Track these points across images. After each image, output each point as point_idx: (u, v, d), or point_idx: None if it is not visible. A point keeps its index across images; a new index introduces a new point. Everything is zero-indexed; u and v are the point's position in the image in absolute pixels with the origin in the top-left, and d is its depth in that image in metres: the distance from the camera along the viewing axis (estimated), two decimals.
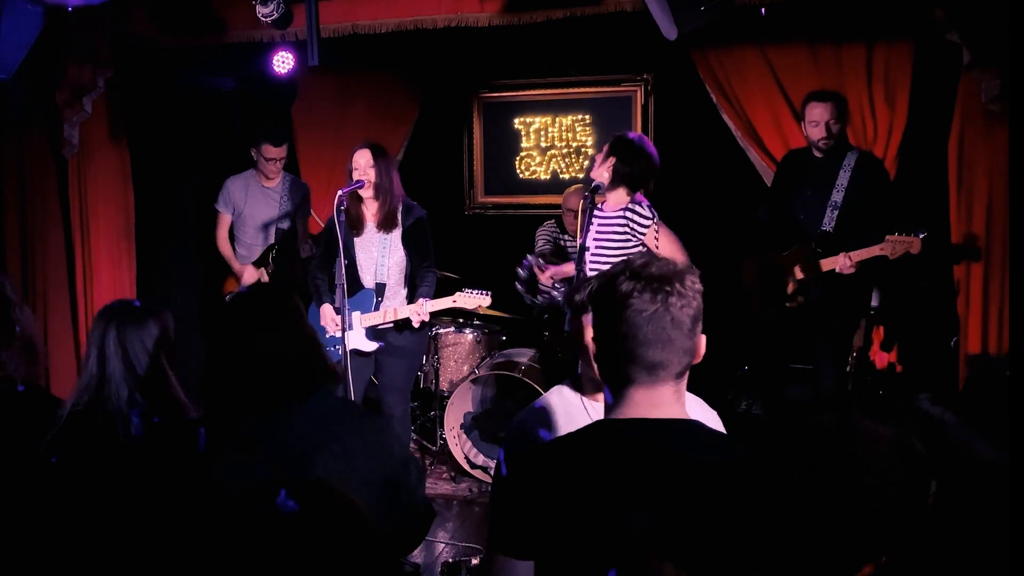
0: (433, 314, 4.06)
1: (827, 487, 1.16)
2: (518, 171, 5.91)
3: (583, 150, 5.76)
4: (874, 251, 3.75)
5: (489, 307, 4.30)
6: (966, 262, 3.76)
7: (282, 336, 1.91)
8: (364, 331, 4.04)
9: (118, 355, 2.16)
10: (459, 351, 4.92)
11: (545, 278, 4.56)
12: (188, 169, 5.57)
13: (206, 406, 1.95)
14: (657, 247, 3.72)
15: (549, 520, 1.44)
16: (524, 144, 5.88)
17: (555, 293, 4.72)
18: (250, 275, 4.82)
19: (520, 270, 4.79)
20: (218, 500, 1.74)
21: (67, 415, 2.16)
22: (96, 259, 4.82)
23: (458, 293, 4.03)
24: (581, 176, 5.71)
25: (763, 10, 3.79)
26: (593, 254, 3.79)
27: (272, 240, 4.90)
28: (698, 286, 1.47)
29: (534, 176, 5.89)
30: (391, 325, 4.05)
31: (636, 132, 3.99)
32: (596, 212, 3.80)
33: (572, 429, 2.08)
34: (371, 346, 4.05)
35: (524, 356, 4.70)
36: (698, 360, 1.50)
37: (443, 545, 3.98)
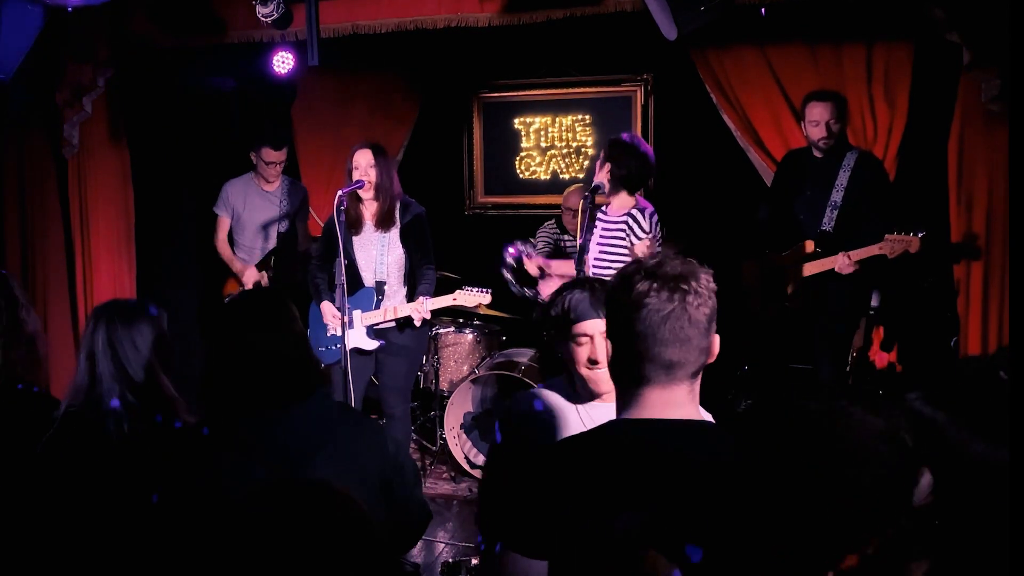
0: (433, 312, 4.07)
1: (811, 477, 1.16)
2: (518, 171, 5.91)
3: (583, 150, 5.76)
4: (873, 250, 3.76)
5: (489, 307, 4.30)
6: (966, 261, 3.76)
7: (282, 337, 1.91)
8: (365, 329, 4.04)
9: (107, 356, 2.15)
10: (459, 351, 4.92)
11: (532, 267, 4.43)
12: (188, 169, 5.56)
13: (205, 407, 1.95)
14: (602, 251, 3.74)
15: (564, 520, 1.43)
16: (524, 144, 5.88)
17: (528, 292, 4.64)
18: (251, 276, 4.83)
19: (507, 256, 4.67)
20: (218, 500, 1.74)
21: (62, 415, 2.16)
22: (96, 259, 4.82)
23: (458, 291, 4.03)
24: (581, 176, 5.72)
25: (763, 10, 3.79)
26: (596, 257, 3.80)
27: (272, 242, 4.90)
28: (713, 285, 1.47)
29: (534, 176, 5.89)
30: (392, 324, 4.05)
31: (629, 133, 3.97)
32: (600, 216, 3.80)
33: (564, 423, 2.09)
34: (372, 344, 4.05)
35: (524, 356, 4.70)
36: (712, 359, 1.49)
37: (443, 545, 3.98)
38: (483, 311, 4.68)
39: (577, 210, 4.37)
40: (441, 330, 4.92)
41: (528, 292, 4.84)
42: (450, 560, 3.48)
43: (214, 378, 1.90)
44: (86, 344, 2.19)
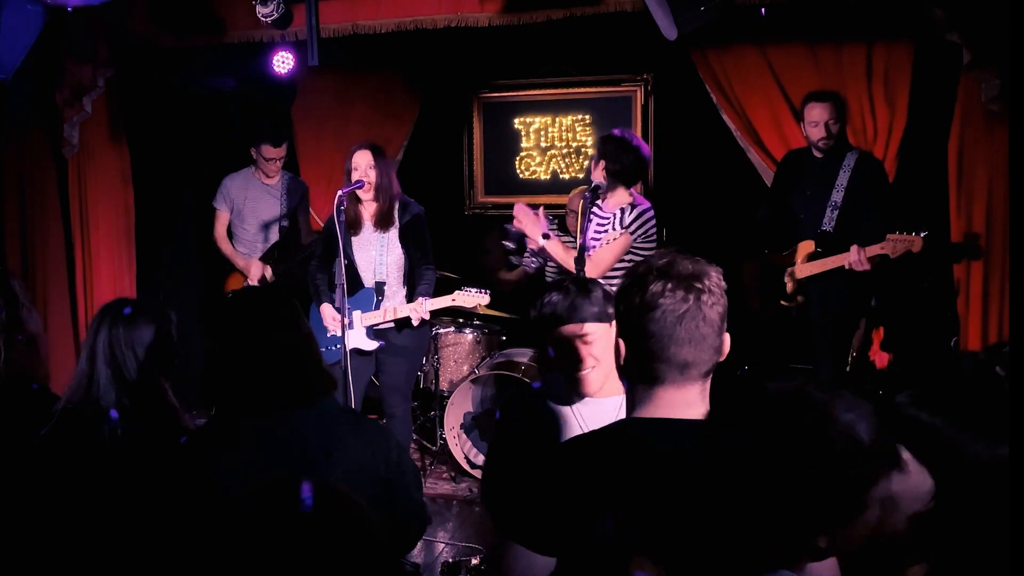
0: (433, 313, 4.06)
1: (775, 463, 1.17)
2: (518, 171, 5.91)
3: (583, 150, 5.75)
4: (875, 250, 3.75)
5: (489, 307, 4.29)
6: (966, 260, 3.76)
7: (297, 336, 1.91)
8: (365, 330, 4.04)
9: (105, 357, 2.15)
10: (459, 351, 4.92)
11: (534, 234, 3.83)
12: (188, 169, 5.57)
13: (214, 406, 1.94)
14: (597, 246, 3.64)
15: (575, 518, 1.43)
16: (524, 144, 5.87)
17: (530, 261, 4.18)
18: (256, 271, 4.82)
19: (510, 229, 4.11)
20: (218, 501, 1.74)
21: (59, 412, 2.16)
22: (96, 259, 4.83)
23: (457, 292, 4.03)
24: (581, 176, 5.71)
25: (763, 10, 3.79)
26: (591, 253, 3.78)
27: (273, 236, 4.90)
28: (723, 283, 1.47)
29: (534, 176, 5.88)
30: (392, 324, 4.05)
31: (620, 128, 3.91)
32: (595, 211, 3.79)
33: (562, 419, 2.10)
34: (372, 345, 4.05)
35: (524, 356, 4.70)
36: (722, 359, 1.49)
37: (443, 545, 3.98)
38: (483, 311, 4.67)
39: (579, 212, 4.34)
40: (441, 330, 4.92)
41: (524, 261, 4.48)
42: (450, 560, 3.47)
43: (218, 377, 1.90)
44: (88, 343, 2.19)
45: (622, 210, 3.69)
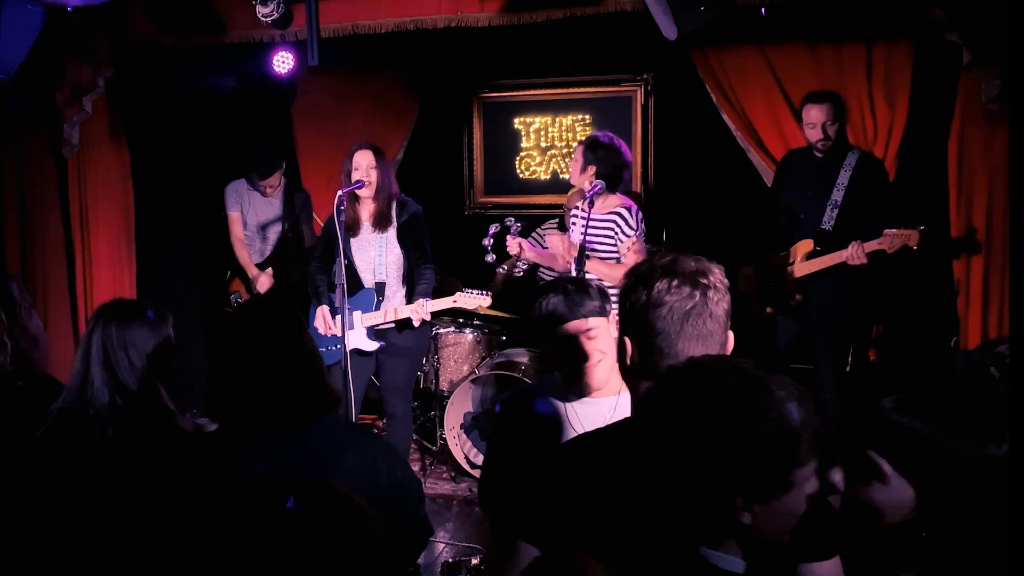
0: (433, 314, 4.07)
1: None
2: (518, 171, 5.91)
3: None
4: (873, 245, 3.76)
5: (489, 307, 4.28)
6: (965, 256, 3.76)
7: (302, 353, 1.92)
8: (365, 331, 4.04)
9: (99, 359, 2.14)
10: (459, 351, 4.92)
11: (513, 246, 4.00)
12: (188, 169, 5.56)
13: (222, 418, 1.94)
14: (622, 259, 3.76)
15: (582, 515, 1.43)
16: (524, 144, 5.87)
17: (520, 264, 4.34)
18: (265, 283, 4.82)
19: (490, 229, 4.13)
20: (234, 510, 1.74)
21: (56, 412, 2.16)
22: (96, 259, 4.83)
23: (458, 293, 4.03)
24: None
25: (763, 10, 3.79)
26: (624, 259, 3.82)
27: (272, 244, 4.90)
28: (726, 280, 1.47)
29: (534, 176, 5.89)
30: (392, 324, 4.05)
31: (601, 132, 4.00)
32: (591, 215, 3.79)
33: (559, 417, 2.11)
34: (372, 346, 4.05)
35: (524, 356, 4.70)
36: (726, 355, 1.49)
37: (443, 545, 3.98)
38: (483, 311, 4.67)
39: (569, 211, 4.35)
40: (441, 330, 4.92)
41: (504, 268, 4.54)
42: (450, 560, 3.48)
43: (222, 393, 1.90)
44: (83, 344, 2.19)
45: (620, 214, 3.77)
